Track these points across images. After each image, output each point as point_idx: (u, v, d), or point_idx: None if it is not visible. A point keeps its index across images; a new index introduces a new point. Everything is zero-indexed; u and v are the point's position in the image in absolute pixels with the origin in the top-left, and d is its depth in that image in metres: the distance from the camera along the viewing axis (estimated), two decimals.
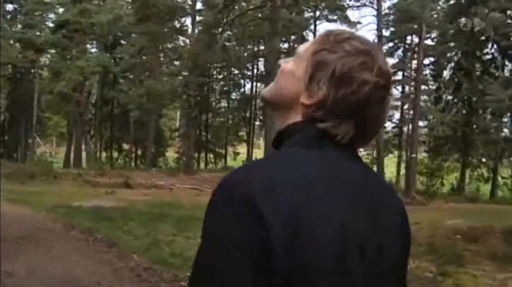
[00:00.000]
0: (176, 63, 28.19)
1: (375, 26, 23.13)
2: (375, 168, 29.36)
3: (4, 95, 36.34)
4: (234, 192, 0.77)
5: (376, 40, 31.47)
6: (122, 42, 30.48)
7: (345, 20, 30.09)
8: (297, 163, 0.82)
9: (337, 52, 0.87)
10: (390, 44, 29.56)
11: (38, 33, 28.25)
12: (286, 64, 0.95)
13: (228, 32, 21.72)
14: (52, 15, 32.90)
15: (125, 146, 35.89)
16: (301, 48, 0.95)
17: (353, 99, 0.85)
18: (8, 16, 34.80)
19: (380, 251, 0.85)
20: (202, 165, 33.00)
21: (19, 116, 33.71)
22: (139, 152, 34.54)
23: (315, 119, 0.87)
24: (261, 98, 1.02)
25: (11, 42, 28.52)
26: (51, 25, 31.95)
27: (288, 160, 0.83)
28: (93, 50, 30.28)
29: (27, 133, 34.23)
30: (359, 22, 30.10)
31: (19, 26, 33.15)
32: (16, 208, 10.42)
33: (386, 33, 30.65)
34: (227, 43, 22.91)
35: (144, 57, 25.78)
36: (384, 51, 30.63)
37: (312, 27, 30.60)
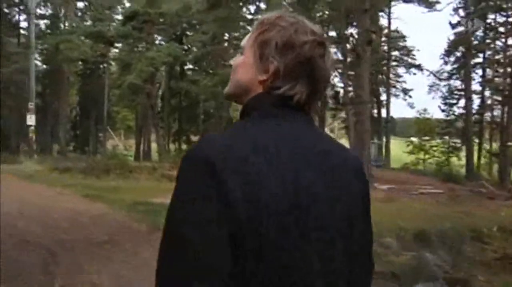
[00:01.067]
0: None
1: (454, 6, 21.00)
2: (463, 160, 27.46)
3: (76, 91, 37.07)
4: (199, 159, 0.88)
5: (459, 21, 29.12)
6: (188, 33, 29.98)
7: (422, 0, 27.95)
8: (254, 130, 0.93)
9: (274, 29, 1.01)
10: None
11: (108, 27, 28.16)
12: (236, 60, 1.07)
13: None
14: (120, 8, 33.22)
15: (193, 138, 35.54)
16: (244, 41, 1.08)
17: (299, 60, 0.98)
18: (79, 14, 35.43)
19: (334, 205, 0.94)
20: None
21: (90, 110, 34.12)
22: None
23: (273, 88, 0.98)
24: (225, 97, 1.11)
25: (82, 38, 28.70)
26: (119, 18, 32.16)
27: (246, 129, 0.94)
28: (160, 41, 29.86)
29: (98, 127, 34.63)
30: (437, 2, 27.88)
31: (89, 22, 33.63)
32: (94, 206, 9.63)
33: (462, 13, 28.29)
34: None
35: (211, 47, 24.88)
36: (463, 31, 28.80)
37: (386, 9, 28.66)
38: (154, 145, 31.88)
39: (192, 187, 0.86)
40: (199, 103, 32.29)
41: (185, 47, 27.96)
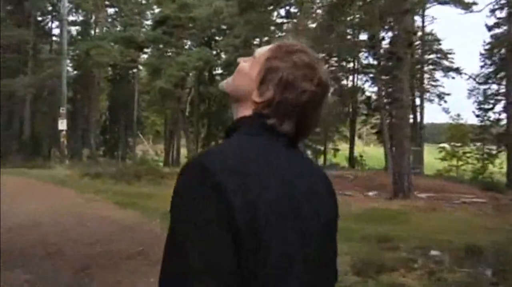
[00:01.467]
0: None
1: (491, 8, 20.10)
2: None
3: (106, 96, 37.36)
4: (196, 164, 0.94)
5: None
6: (217, 38, 29.81)
7: (459, 2, 26.99)
8: (243, 147, 0.99)
9: (286, 62, 1.05)
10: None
11: (138, 32, 28.23)
12: (244, 64, 1.12)
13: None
14: (149, 14, 33.38)
15: None
16: (258, 51, 1.12)
17: (294, 103, 1.03)
18: (109, 20, 35.74)
19: (315, 213, 1.03)
20: None
21: (120, 115, 34.29)
22: None
23: (263, 114, 1.04)
24: (220, 88, 1.16)
25: (112, 44, 28.85)
26: (149, 23, 32.31)
27: (236, 146, 1.00)
28: (189, 46, 29.76)
29: (127, 132, 34.76)
30: (474, 3, 26.90)
31: (119, 27, 33.88)
32: (126, 214, 9.35)
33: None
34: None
35: (243, 51, 24.59)
36: (503, 32, 27.63)
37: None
38: (183, 151, 31.79)
39: (191, 189, 0.91)
40: (227, 108, 32.08)
41: (214, 51, 27.74)
